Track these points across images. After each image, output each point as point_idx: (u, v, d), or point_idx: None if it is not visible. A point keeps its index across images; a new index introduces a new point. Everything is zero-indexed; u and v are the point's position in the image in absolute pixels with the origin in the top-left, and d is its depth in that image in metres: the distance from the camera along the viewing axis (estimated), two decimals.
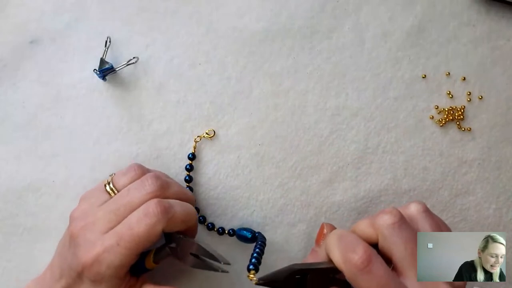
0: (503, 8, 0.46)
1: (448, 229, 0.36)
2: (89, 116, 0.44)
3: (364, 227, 0.34)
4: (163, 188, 0.37)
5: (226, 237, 0.44)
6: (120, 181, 0.38)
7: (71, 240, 0.36)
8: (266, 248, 0.40)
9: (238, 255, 0.44)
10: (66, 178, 0.44)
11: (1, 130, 0.44)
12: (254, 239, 0.43)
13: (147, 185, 0.37)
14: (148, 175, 0.38)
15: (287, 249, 0.45)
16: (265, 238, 0.42)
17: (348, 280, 0.32)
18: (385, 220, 0.33)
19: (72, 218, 0.37)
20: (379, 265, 0.31)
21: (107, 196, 0.38)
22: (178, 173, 0.44)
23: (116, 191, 0.38)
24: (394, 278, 0.31)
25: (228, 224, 0.44)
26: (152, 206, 0.35)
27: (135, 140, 0.44)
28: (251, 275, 0.34)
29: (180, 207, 0.37)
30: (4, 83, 0.44)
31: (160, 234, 0.35)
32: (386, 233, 0.33)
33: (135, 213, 0.35)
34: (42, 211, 0.44)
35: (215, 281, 0.44)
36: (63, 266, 0.37)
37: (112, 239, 0.34)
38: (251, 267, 0.35)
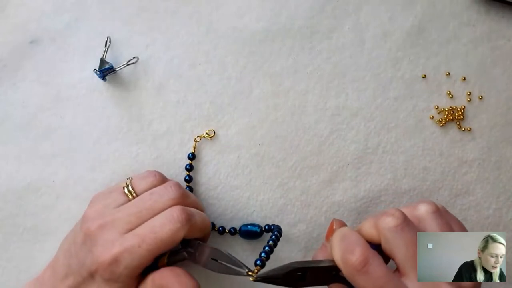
0: (503, 8, 0.46)
1: (462, 228, 0.36)
2: (89, 116, 0.44)
3: (368, 227, 0.35)
4: (184, 196, 0.38)
5: (227, 236, 0.44)
6: (140, 185, 0.39)
7: (86, 238, 0.36)
8: None
9: (240, 253, 0.44)
10: (66, 178, 0.44)
11: (1, 130, 0.44)
12: (262, 234, 0.43)
13: (171, 191, 0.37)
14: (170, 182, 0.39)
15: (287, 249, 0.45)
16: (280, 230, 0.42)
17: (347, 279, 0.33)
18: (387, 222, 0.33)
19: (86, 217, 0.37)
20: (376, 266, 0.31)
21: (124, 198, 0.38)
22: (178, 173, 0.44)
23: (134, 194, 0.38)
24: (394, 279, 0.31)
25: (228, 224, 0.44)
26: (177, 212, 0.36)
27: (135, 140, 0.44)
28: (250, 272, 0.34)
29: (199, 216, 0.38)
30: (4, 83, 0.44)
31: (180, 240, 0.36)
32: (388, 235, 0.33)
33: (158, 217, 0.36)
34: (42, 211, 0.44)
35: (216, 280, 0.44)
36: (71, 264, 0.37)
37: (133, 240, 0.35)
38: (258, 262, 0.35)
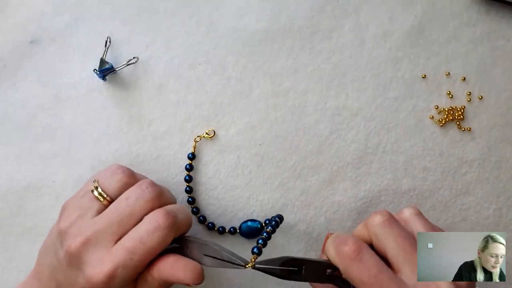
0: (503, 8, 0.46)
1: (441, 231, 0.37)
2: (89, 116, 0.44)
3: (360, 228, 0.37)
4: (161, 195, 0.37)
5: (227, 236, 0.44)
6: (110, 186, 0.37)
7: (71, 258, 0.34)
8: (265, 249, 0.40)
9: (240, 252, 0.44)
10: (66, 178, 0.44)
11: (1, 130, 0.44)
12: (263, 230, 0.43)
13: (147, 192, 0.36)
14: (145, 181, 0.37)
15: (287, 249, 0.45)
16: (281, 217, 0.42)
17: (342, 273, 0.34)
18: (375, 220, 0.35)
19: (64, 233, 0.35)
20: (369, 255, 0.33)
21: (97, 203, 0.36)
22: (178, 173, 0.44)
23: (106, 196, 0.36)
24: (388, 271, 0.32)
25: (228, 223, 0.44)
26: (162, 218, 0.34)
27: (135, 140, 0.44)
28: (247, 265, 0.34)
29: (182, 214, 0.37)
30: (4, 83, 0.44)
31: (170, 243, 0.35)
32: (377, 232, 0.34)
33: (143, 225, 0.34)
34: (42, 211, 0.44)
35: (214, 279, 0.44)
36: (59, 279, 0.36)
37: (123, 254, 0.33)
38: (255, 250, 0.35)
